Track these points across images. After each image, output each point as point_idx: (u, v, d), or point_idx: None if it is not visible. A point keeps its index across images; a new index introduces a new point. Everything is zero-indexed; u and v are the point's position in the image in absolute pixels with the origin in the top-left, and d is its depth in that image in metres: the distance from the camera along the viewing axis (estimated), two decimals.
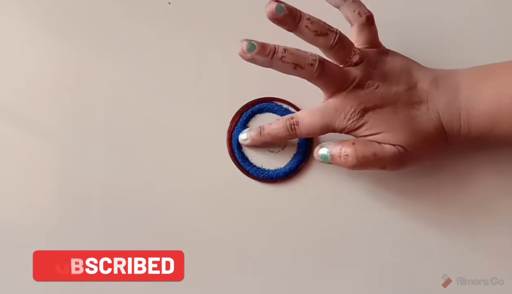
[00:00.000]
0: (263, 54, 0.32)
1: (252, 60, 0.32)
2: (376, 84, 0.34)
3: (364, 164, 0.34)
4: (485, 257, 0.38)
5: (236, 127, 0.39)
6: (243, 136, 0.38)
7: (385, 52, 0.36)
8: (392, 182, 0.39)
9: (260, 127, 0.37)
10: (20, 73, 0.40)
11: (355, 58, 0.34)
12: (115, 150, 0.39)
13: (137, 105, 0.40)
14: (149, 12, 0.41)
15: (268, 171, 0.39)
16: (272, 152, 0.39)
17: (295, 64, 0.32)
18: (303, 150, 0.39)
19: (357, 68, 0.34)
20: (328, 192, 0.39)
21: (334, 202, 0.39)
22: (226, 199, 0.39)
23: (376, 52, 0.35)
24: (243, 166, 0.39)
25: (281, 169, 0.39)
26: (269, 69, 0.33)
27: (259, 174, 0.38)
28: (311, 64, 0.32)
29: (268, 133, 0.37)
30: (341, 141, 0.35)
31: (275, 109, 0.39)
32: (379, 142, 0.34)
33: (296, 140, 0.39)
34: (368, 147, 0.34)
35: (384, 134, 0.34)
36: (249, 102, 0.39)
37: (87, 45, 0.41)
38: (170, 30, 0.41)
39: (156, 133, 0.39)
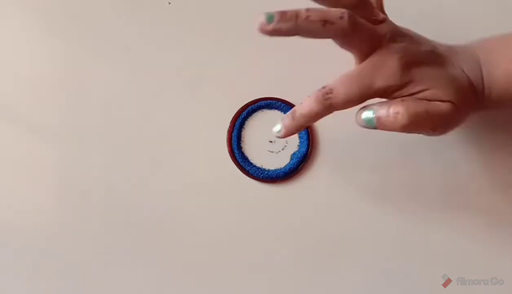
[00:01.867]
0: (286, 20, 0.27)
1: (275, 31, 0.28)
2: (407, 40, 0.31)
3: (416, 122, 0.30)
4: (485, 257, 0.38)
5: (235, 127, 0.39)
6: (276, 129, 0.32)
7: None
8: (392, 182, 0.39)
9: (290, 112, 0.32)
10: (19, 74, 0.40)
11: (380, 16, 0.31)
12: (115, 150, 0.39)
13: (137, 105, 0.40)
14: (149, 13, 0.41)
15: (268, 171, 0.39)
16: (272, 151, 0.39)
17: (323, 21, 0.28)
18: (303, 149, 0.39)
19: (384, 25, 0.31)
20: (328, 192, 0.39)
21: (334, 202, 0.39)
22: (226, 199, 0.39)
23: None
24: (243, 165, 0.39)
25: (281, 169, 0.39)
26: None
27: (259, 174, 0.38)
28: (341, 17, 0.28)
29: (301, 114, 0.31)
30: (387, 102, 0.31)
31: (273, 106, 0.39)
32: (429, 100, 0.31)
33: (297, 140, 0.39)
34: (420, 103, 0.30)
35: (434, 90, 0.30)
36: (249, 102, 0.39)
37: (87, 45, 0.41)
38: (170, 30, 0.41)
39: (156, 134, 0.39)
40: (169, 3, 0.41)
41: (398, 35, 0.31)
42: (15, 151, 0.39)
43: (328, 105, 0.30)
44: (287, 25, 0.28)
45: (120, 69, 0.40)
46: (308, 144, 0.39)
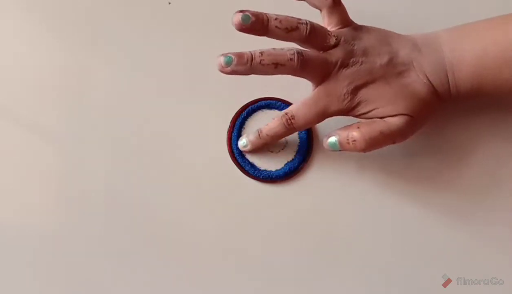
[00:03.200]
0: (242, 64, 0.32)
1: (233, 72, 0.32)
2: (360, 61, 0.34)
3: (373, 144, 0.34)
4: (485, 257, 0.38)
5: (235, 127, 0.39)
6: (242, 143, 0.38)
7: (359, 28, 0.35)
8: (392, 182, 0.39)
9: (257, 130, 0.37)
10: (21, 75, 0.40)
11: (332, 41, 0.34)
12: (116, 150, 0.39)
13: (138, 105, 0.40)
14: (149, 13, 0.41)
15: (269, 171, 0.39)
16: (272, 151, 0.39)
17: (275, 64, 0.32)
18: (303, 149, 0.39)
19: (337, 50, 0.34)
20: (328, 192, 0.39)
21: (334, 202, 0.39)
22: (226, 199, 0.39)
23: (350, 30, 0.35)
24: (243, 166, 0.39)
25: (281, 169, 0.39)
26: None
27: (259, 174, 0.38)
28: (291, 59, 0.32)
29: (267, 135, 0.36)
30: (347, 127, 0.35)
31: (273, 106, 0.39)
32: (381, 118, 0.34)
33: (297, 140, 0.39)
34: (373, 126, 0.34)
35: (383, 107, 0.34)
36: (249, 102, 0.39)
37: (88, 46, 0.41)
38: (170, 31, 0.41)
39: (156, 134, 0.39)
40: (169, 3, 0.41)
41: (351, 57, 0.34)
42: (17, 152, 0.39)
43: (291, 128, 0.35)
44: (242, 69, 0.32)
45: (120, 69, 0.40)
46: (308, 144, 0.39)
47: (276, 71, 0.33)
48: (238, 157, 0.39)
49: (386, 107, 0.34)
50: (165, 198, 0.39)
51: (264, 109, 0.39)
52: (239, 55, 0.32)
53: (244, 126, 0.39)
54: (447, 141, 0.39)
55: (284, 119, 0.35)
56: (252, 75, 0.39)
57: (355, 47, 0.34)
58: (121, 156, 0.39)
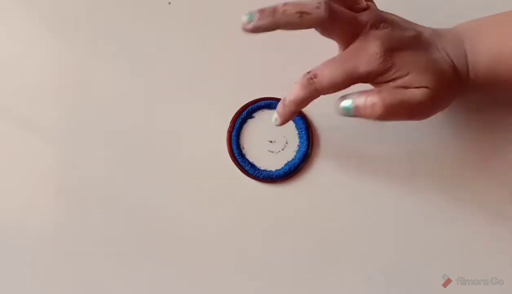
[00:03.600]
0: (264, 17, 0.29)
1: (256, 29, 0.30)
2: (389, 27, 0.32)
3: (391, 113, 0.31)
4: (485, 257, 0.38)
5: (235, 127, 0.39)
6: (274, 117, 0.34)
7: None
8: (392, 182, 0.39)
9: (282, 99, 0.34)
10: (22, 75, 0.41)
11: (363, 4, 0.32)
12: (115, 151, 0.40)
13: (137, 105, 0.40)
14: (149, 13, 0.41)
15: (269, 171, 0.39)
16: (272, 152, 0.39)
17: (300, 12, 0.29)
18: (303, 149, 0.39)
19: (367, 12, 0.32)
20: (328, 191, 0.39)
21: (333, 202, 0.39)
22: (226, 199, 0.39)
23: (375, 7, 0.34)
24: (243, 166, 0.39)
25: (281, 168, 0.39)
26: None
27: (259, 174, 0.38)
28: (317, 7, 0.29)
29: (290, 101, 0.33)
30: (365, 92, 0.32)
31: (274, 106, 0.39)
32: (406, 87, 0.31)
33: (297, 140, 0.39)
34: (395, 94, 0.31)
35: (413, 75, 0.31)
36: (249, 102, 0.39)
37: (88, 45, 0.41)
38: (170, 31, 0.41)
39: (156, 134, 0.40)
40: (169, 3, 0.41)
41: (381, 21, 0.32)
42: (17, 152, 0.40)
43: (314, 89, 0.31)
44: (265, 21, 0.29)
45: (120, 69, 0.40)
46: (308, 144, 0.39)
47: (302, 21, 0.29)
48: (238, 157, 0.39)
49: (416, 76, 0.31)
50: (165, 197, 0.39)
51: (264, 109, 0.39)
52: (261, 10, 0.29)
53: (244, 126, 0.39)
54: (447, 140, 0.39)
55: (305, 79, 0.31)
56: (252, 75, 0.39)
57: (384, 15, 0.33)
58: (121, 155, 0.39)
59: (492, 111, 0.40)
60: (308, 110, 0.39)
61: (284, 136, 0.39)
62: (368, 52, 0.31)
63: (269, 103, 0.39)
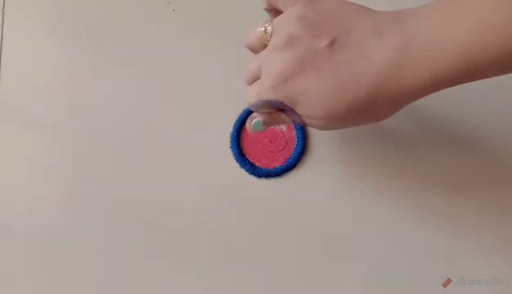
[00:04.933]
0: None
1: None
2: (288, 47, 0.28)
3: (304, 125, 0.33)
4: (485, 257, 0.38)
5: (234, 127, 0.40)
6: (251, 125, 0.33)
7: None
8: (391, 181, 0.39)
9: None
10: (29, 76, 0.41)
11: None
12: (120, 150, 0.40)
13: (142, 106, 0.41)
14: (153, 16, 0.42)
15: (269, 170, 0.39)
16: (272, 152, 0.40)
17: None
18: (300, 148, 0.39)
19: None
20: (328, 191, 0.39)
21: (333, 202, 0.39)
22: (226, 199, 0.39)
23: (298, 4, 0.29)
24: (243, 165, 0.39)
25: (280, 167, 0.39)
26: None
27: (259, 174, 0.39)
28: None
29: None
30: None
31: (272, 106, 0.40)
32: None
33: (295, 139, 0.40)
34: (291, 117, 0.31)
35: (303, 107, 0.29)
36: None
37: (95, 50, 0.42)
38: (173, 34, 0.41)
39: (159, 134, 0.40)
40: (173, 10, 0.42)
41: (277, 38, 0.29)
42: (24, 151, 0.40)
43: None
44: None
45: (125, 71, 0.41)
46: (304, 143, 0.39)
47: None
48: (238, 157, 0.39)
49: (306, 109, 0.29)
50: (169, 197, 0.39)
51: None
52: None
53: (243, 126, 0.40)
54: (447, 139, 0.39)
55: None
56: None
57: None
58: (126, 155, 0.40)
59: (493, 108, 0.40)
60: None
61: (284, 136, 0.40)
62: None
63: (268, 103, 0.40)
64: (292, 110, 0.30)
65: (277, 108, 0.31)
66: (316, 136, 0.40)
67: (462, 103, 0.39)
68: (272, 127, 0.40)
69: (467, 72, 0.25)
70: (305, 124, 0.31)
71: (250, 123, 0.33)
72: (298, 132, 0.39)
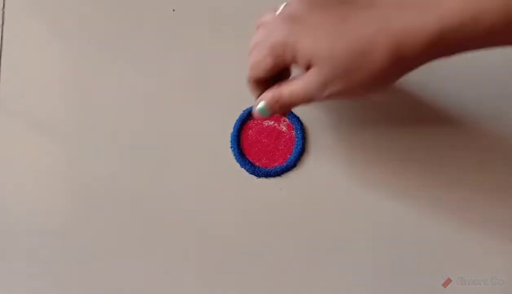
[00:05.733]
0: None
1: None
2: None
3: (297, 104, 0.31)
4: (485, 257, 0.38)
5: (234, 127, 0.40)
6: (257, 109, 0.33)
7: None
8: (391, 181, 0.39)
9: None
10: (31, 77, 0.42)
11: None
12: (122, 150, 0.40)
13: (143, 107, 0.41)
14: (155, 19, 0.42)
15: (269, 170, 0.39)
16: (272, 152, 0.40)
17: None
18: (299, 147, 0.39)
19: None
20: (328, 191, 0.39)
21: (332, 202, 0.39)
22: (226, 198, 0.39)
23: None
24: (243, 165, 0.39)
25: (280, 167, 0.39)
26: None
27: (259, 173, 0.39)
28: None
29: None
30: (272, 88, 0.32)
31: None
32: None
33: (294, 138, 0.40)
34: (290, 85, 0.30)
35: (313, 59, 0.28)
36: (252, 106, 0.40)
37: (95, 50, 0.42)
38: (175, 36, 0.42)
39: (161, 136, 0.40)
40: (173, 10, 0.42)
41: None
42: (26, 152, 0.40)
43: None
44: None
45: (127, 73, 0.41)
46: (304, 143, 0.39)
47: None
48: (238, 157, 0.39)
49: (315, 62, 0.28)
50: (171, 196, 0.39)
51: None
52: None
53: (243, 126, 0.40)
54: (446, 139, 0.39)
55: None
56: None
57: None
58: (127, 156, 0.40)
59: (491, 106, 0.39)
60: (303, 109, 0.39)
61: (284, 136, 0.40)
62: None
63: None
64: (292, 58, 0.29)
65: (277, 67, 0.30)
66: (316, 136, 0.40)
67: (461, 102, 0.39)
68: (272, 127, 0.40)
69: (472, 28, 0.25)
70: (304, 98, 0.30)
71: (255, 109, 0.33)
72: (298, 132, 0.39)
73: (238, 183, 0.39)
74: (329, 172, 0.39)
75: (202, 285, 0.39)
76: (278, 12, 0.31)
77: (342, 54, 0.27)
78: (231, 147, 0.40)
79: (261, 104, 0.32)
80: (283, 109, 0.32)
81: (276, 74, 0.32)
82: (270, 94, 0.31)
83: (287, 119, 0.40)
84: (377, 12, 0.26)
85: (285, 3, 0.31)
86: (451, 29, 0.25)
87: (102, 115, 0.41)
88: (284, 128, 0.40)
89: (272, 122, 0.40)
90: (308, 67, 0.29)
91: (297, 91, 0.30)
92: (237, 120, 0.40)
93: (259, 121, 0.40)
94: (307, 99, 0.30)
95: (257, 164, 0.40)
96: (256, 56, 0.31)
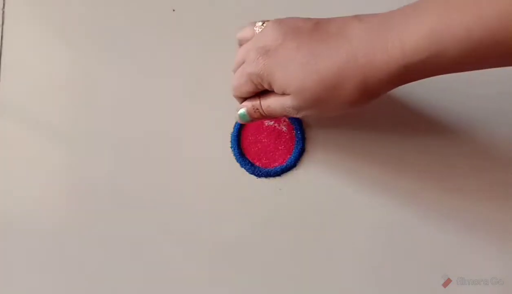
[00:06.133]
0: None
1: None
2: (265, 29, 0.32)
3: (275, 116, 0.34)
4: (485, 257, 0.38)
5: (234, 127, 0.40)
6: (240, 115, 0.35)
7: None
8: (391, 181, 0.39)
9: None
10: (32, 77, 0.41)
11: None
12: (122, 150, 0.40)
13: (143, 108, 0.41)
14: (155, 19, 0.42)
15: (269, 170, 0.39)
16: (272, 152, 0.40)
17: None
18: (299, 147, 0.39)
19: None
20: (328, 191, 0.39)
21: (333, 202, 0.39)
22: (227, 197, 0.39)
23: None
24: (242, 165, 0.39)
25: (280, 166, 0.39)
26: None
27: (259, 173, 0.39)
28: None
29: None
30: (253, 97, 0.35)
31: None
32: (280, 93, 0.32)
33: (294, 138, 0.40)
34: (269, 100, 0.33)
35: (277, 81, 0.31)
36: None
37: (95, 50, 0.42)
38: (175, 36, 0.42)
39: (161, 136, 0.40)
40: (173, 10, 0.42)
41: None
42: (26, 152, 0.40)
43: None
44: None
45: (127, 73, 0.41)
46: (304, 143, 0.39)
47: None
48: (238, 157, 0.39)
49: (280, 82, 0.31)
50: (171, 196, 0.39)
51: None
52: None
53: (243, 127, 0.40)
54: (446, 140, 0.39)
55: None
56: None
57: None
58: (127, 155, 0.40)
59: (490, 106, 0.40)
60: None
61: (283, 136, 0.40)
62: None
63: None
64: (269, 85, 0.32)
65: (257, 89, 0.33)
66: (316, 136, 0.40)
67: (460, 101, 0.39)
68: (272, 127, 0.40)
69: (434, 54, 0.26)
70: (281, 114, 0.33)
71: (237, 114, 0.35)
72: (298, 132, 0.39)
73: (238, 183, 0.39)
74: (329, 172, 0.39)
75: (202, 284, 0.39)
76: (256, 32, 0.34)
77: (312, 87, 0.29)
78: (231, 147, 0.40)
79: (241, 111, 0.35)
80: (262, 118, 0.35)
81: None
82: (250, 104, 0.34)
83: (287, 120, 0.40)
84: (346, 44, 0.28)
85: (261, 22, 0.34)
86: (414, 64, 0.27)
87: (102, 115, 0.41)
88: (284, 128, 0.40)
89: (272, 122, 0.40)
90: (283, 93, 0.31)
91: (275, 106, 0.33)
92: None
93: (259, 121, 0.40)
94: (283, 115, 0.33)
95: (257, 164, 0.40)
96: (237, 80, 0.34)
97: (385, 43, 0.27)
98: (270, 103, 0.33)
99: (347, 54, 0.28)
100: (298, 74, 0.29)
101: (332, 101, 0.30)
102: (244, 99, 0.35)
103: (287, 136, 0.40)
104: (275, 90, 0.32)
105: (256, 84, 0.32)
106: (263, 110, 0.34)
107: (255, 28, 0.34)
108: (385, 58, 0.27)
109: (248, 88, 0.33)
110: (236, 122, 0.40)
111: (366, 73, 0.28)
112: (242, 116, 0.35)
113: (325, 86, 0.29)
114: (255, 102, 0.34)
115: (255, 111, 0.34)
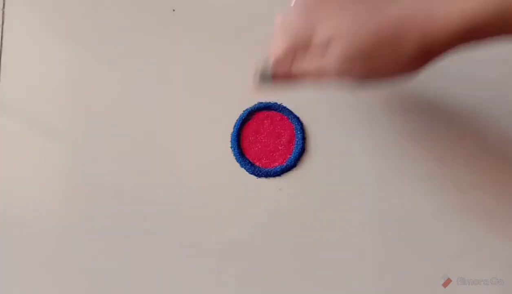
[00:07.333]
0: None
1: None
2: None
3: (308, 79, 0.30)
4: (485, 257, 0.38)
5: (234, 128, 0.40)
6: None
7: None
8: (391, 181, 0.39)
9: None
10: (32, 77, 0.42)
11: None
12: (122, 150, 0.40)
13: (144, 108, 0.41)
14: (155, 19, 0.42)
15: (269, 170, 0.39)
16: (272, 152, 0.40)
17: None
18: (299, 147, 0.39)
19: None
20: (328, 191, 0.39)
21: (333, 202, 0.39)
22: (227, 199, 0.39)
23: None
24: (242, 165, 0.39)
25: (280, 166, 0.39)
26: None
27: (259, 173, 0.39)
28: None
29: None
30: None
31: (272, 107, 0.40)
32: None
33: (294, 138, 0.40)
34: (309, 61, 0.29)
35: (334, 39, 0.27)
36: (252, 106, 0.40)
37: (95, 50, 0.42)
38: (175, 36, 0.42)
39: (161, 135, 0.40)
40: (173, 10, 0.42)
41: None
42: (27, 152, 0.40)
43: None
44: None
45: (127, 73, 0.41)
46: (304, 143, 0.39)
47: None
48: (238, 157, 0.40)
49: (335, 41, 0.27)
50: (171, 195, 0.40)
51: (263, 110, 0.40)
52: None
53: (243, 127, 0.40)
54: (446, 139, 0.39)
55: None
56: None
57: None
58: (128, 155, 0.40)
59: (490, 106, 0.39)
60: (303, 110, 0.40)
61: (284, 136, 0.40)
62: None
63: (269, 104, 0.40)
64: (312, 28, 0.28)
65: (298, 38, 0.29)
66: (316, 136, 0.40)
67: (460, 101, 0.39)
68: (272, 127, 0.40)
69: (498, 20, 0.24)
70: (315, 71, 0.29)
71: (257, 74, 0.31)
72: (298, 132, 0.39)
73: (238, 183, 0.39)
74: (329, 172, 0.39)
75: (202, 284, 0.39)
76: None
77: (366, 37, 0.26)
78: (231, 147, 0.40)
79: (266, 62, 0.30)
80: (287, 78, 0.30)
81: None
82: (282, 52, 0.29)
83: (287, 120, 0.40)
84: (405, 4, 0.26)
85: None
86: (477, 22, 0.24)
87: (102, 115, 0.41)
88: (284, 129, 0.40)
89: (272, 122, 0.40)
90: (329, 40, 0.27)
91: (310, 61, 0.28)
92: (237, 120, 0.40)
93: (259, 121, 0.40)
94: (315, 76, 0.29)
95: (257, 164, 0.40)
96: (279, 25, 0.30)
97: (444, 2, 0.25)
98: (306, 58, 0.28)
99: (405, 10, 0.26)
100: (352, 19, 0.26)
101: (384, 58, 0.26)
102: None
103: (287, 137, 0.40)
104: (319, 34, 0.27)
105: (298, 29, 0.28)
106: (294, 65, 0.29)
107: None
108: (445, 15, 0.25)
109: (290, 32, 0.28)
110: (236, 122, 0.40)
111: (425, 31, 0.25)
112: (263, 70, 0.30)
113: (381, 39, 0.26)
114: (289, 53, 0.29)
115: (284, 63, 0.29)
